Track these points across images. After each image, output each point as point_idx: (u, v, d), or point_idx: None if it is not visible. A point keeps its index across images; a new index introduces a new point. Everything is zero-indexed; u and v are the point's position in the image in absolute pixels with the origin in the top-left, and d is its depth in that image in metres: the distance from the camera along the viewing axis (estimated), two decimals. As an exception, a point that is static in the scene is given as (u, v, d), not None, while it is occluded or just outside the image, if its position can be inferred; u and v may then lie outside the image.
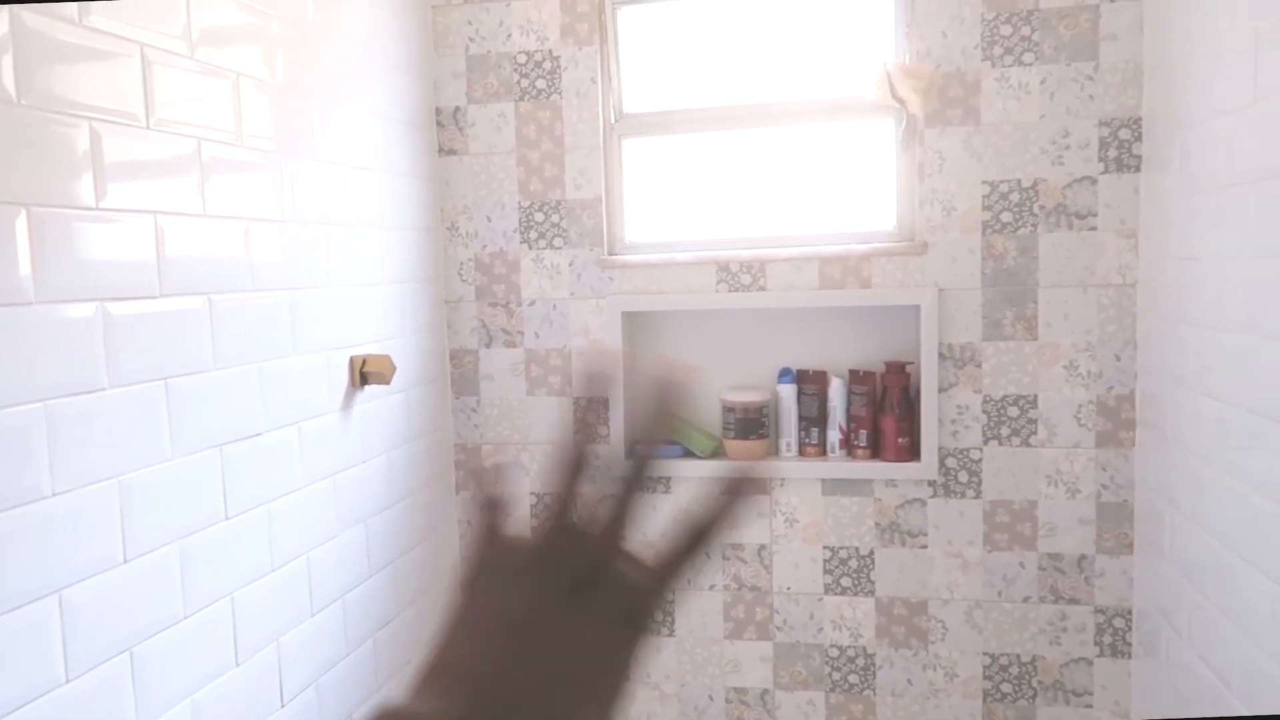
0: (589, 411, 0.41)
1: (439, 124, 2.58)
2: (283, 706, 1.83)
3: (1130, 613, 2.32)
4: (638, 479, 0.41)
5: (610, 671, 0.38)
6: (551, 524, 0.40)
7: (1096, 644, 2.35)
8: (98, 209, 1.38)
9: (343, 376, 2.06)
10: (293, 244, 1.88)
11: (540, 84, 2.51)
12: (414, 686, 0.37)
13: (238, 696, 1.70)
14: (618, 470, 0.41)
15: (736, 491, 0.40)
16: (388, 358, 2.15)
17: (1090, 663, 2.36)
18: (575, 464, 0.41)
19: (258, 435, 1.75)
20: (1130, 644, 2.33)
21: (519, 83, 2.53)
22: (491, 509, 0.43)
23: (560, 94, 2.51)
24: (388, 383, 2.15)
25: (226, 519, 1.67)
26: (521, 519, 0.42)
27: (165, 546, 1.51)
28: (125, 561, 1.43)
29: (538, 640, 0.37)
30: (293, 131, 1.89)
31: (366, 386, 2.15)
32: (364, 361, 2.12)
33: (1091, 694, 2.36)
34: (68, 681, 1.32)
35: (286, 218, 1.86)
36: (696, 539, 0.40)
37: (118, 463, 1.41)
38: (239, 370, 1.70)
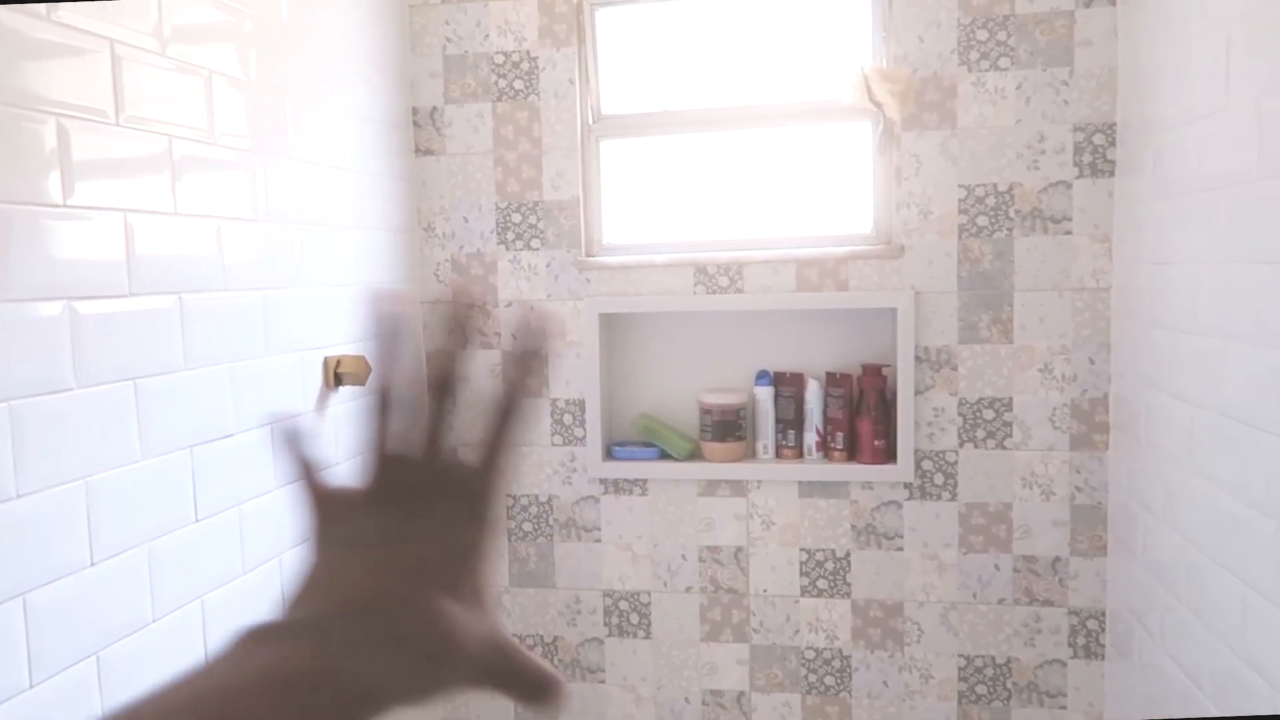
0: (390, 356, 0.44)
1: (415, 124, 2.57)
2: (254, 711, 1.81)
3: (1104, 614, 2.34)
4: (437, 391, 0.44)
5: (466, 562, 0.41)
6: (373, 461, 0.43)
7: (1070, 645, 2.36)
8: (65, 206, 1.36)
9: (317, 377, 2.04)
10: (266, 243, 1.86)
11: (518, 85, 2.50)
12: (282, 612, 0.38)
13: (208, 701, 1.67)
14: (416, 395, 0.44)
15: (521, 363, 0.45)
16: (363, 358, 2.14)
17: (1064, 664, 2.37)
18: (379, 406, 0.43)
19: (229, 436, 1.73)
20: (1104, 645, 2.35)
21: (496, 83, 2.52)
22: (307, 471, 0.44)
23: (538, 95, 2.50)
24: (363, 384, 2.13)
25: (197, 521, 1.64)
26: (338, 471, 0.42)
27: (134, 549, 1.49)
28: (92, 564, 1.40)
29: (391, 553, 0.40)
30: (267, 130, 1.87)
31: (341, 387, 2.13)
32: (338, 362, 2.10)
33: (1065, 695, 2.38)
34: (31, 687, 1.30)
35: (260, 217, 1.84)
36: (504, 419, 0.45)
37: (85, 464, 1.39)
38: (210, 370, 1.68)
